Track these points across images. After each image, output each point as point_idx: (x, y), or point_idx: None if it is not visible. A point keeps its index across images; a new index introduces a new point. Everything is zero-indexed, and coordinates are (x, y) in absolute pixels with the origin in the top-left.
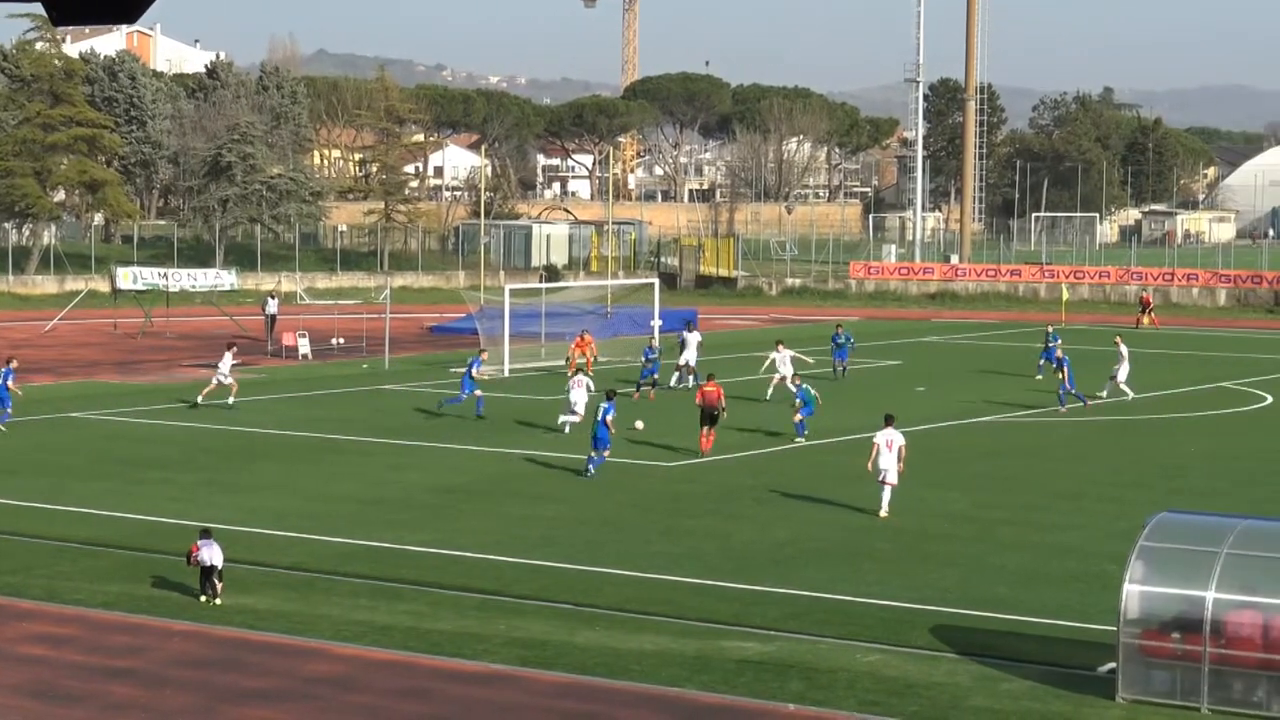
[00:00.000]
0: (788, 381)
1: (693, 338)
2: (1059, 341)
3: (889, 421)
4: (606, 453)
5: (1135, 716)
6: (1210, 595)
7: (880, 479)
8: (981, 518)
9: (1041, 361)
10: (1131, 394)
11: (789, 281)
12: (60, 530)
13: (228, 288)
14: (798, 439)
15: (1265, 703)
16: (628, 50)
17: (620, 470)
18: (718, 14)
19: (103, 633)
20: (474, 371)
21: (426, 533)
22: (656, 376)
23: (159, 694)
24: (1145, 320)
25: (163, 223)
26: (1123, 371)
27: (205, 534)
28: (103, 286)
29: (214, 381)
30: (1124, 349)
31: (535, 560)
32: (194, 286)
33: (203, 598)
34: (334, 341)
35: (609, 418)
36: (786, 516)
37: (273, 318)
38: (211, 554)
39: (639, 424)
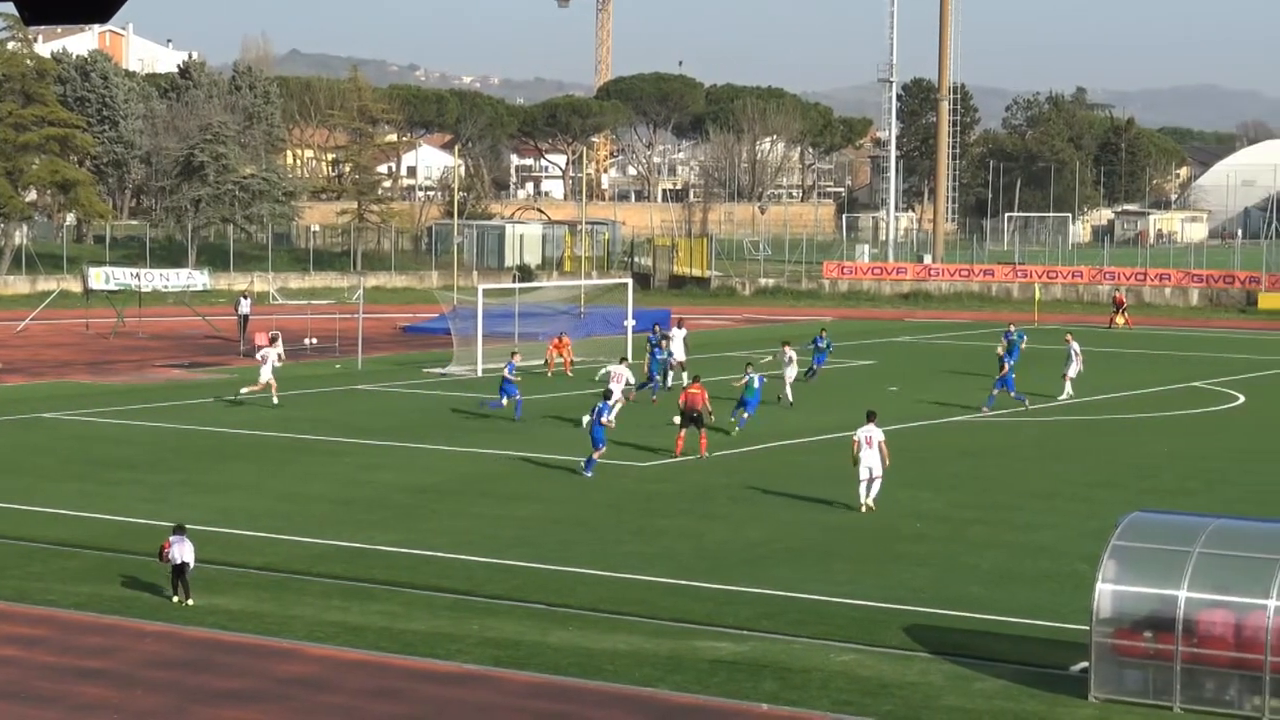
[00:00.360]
0: (787, 385)
1: (679, 334)
2: (1025, 340)
3: (870, 418)
4: (599, 453)
5: (1108, 715)
6: (1182, 594)
7: (867, 476)
8: (954, 517)
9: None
10: (1068, 394)
11: (762, 281)
12: (31, 531)
13: (200, 288)
14: (735, 431)
15: (1237, 701)
16: (601, 50)
17: (594, 470)
18: (691, 14)
19: (74, 634)
20: (510, 374)
21: (399, 533)
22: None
23: (130, 695)
24: (1119, 320)
25: (135, 223)
26: (1074, 368)
27: (179, 530)
28: (75, 287)
29: (261, 379)
30: (1075, 346)
31: (508, 560)
32: (166, 287)
33: (175, 598)
34: (307, 342)
35: (605, 417)
36: (760, 516)
37: (245, 318)
38: (183, 551)
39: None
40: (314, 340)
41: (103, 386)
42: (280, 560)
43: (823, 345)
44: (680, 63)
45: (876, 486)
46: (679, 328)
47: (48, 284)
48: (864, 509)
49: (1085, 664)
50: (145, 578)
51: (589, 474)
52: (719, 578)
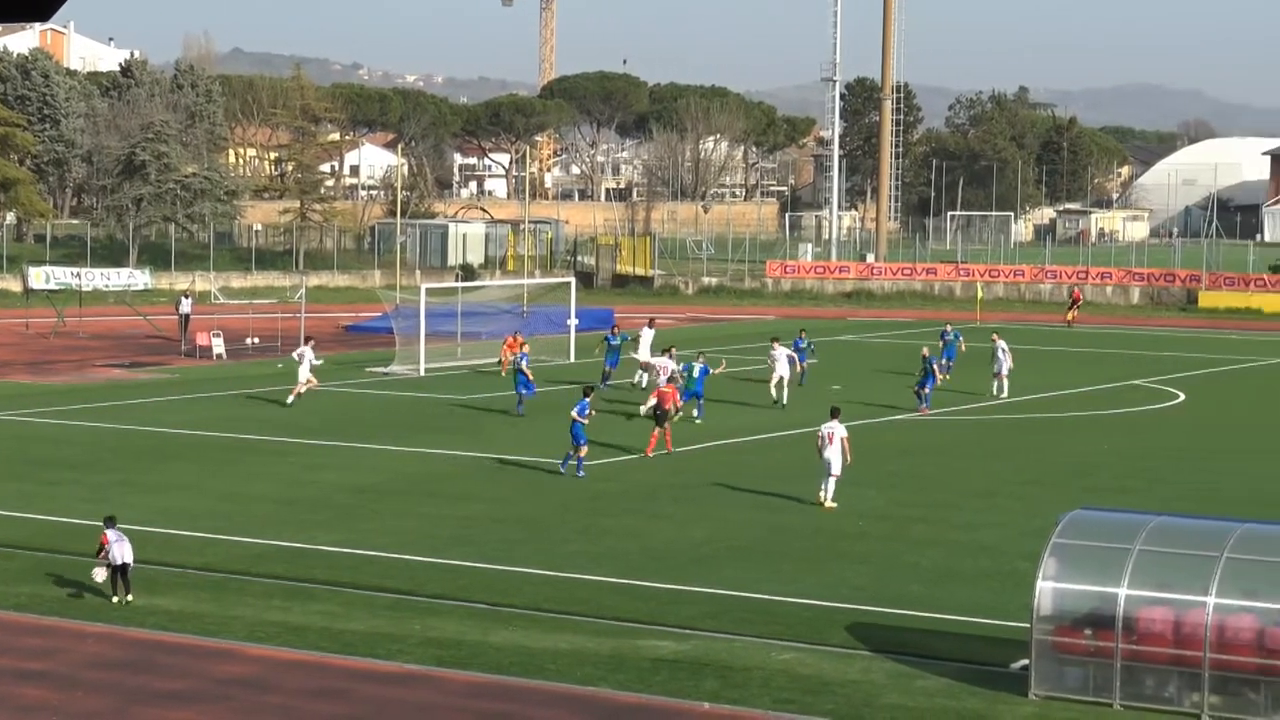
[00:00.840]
0: (784, 382)
1: (648, 334)
2: (961, 340)
3: (834, 414)
4: (582, 450)
5: (1048, 713)
6: (1122, 592)
7: (827, 470)
8: (896, 515)
9: (945, 360)
10: (1003, 393)
11: (705, 280)
12: None
13: (141, 287)
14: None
15: (1176, 698)
16: (545, 49)
17: (538, 470)
18: (635, 13)
19: (14, 635)
20: (524, 365)
21: (340, 533)
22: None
23: (71, 696)
24: (1069, 315)
25: (76, 222)
26: (1005, 367)
27: (111, 522)
28: (14, 286)
29: (301, 379)
30: (1002, 345)
31: (451, 560)
32: (107, 286)
33: (115, 598)
34: (249, 341)
35: (585, 414)
36: (705, 515)
37: (186, 317)
38: (123, 550)
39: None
40: (256, 340)
41: (42, 386)
42: (221, 560)
43: (803, 345)
44: (625, 61)
45: (832, 484)
46: (650, 327)
47: None
48: (826, 507)
49: (1026, 661)
50: (86, 579)
51: (570, 470)
52: (664, 577)
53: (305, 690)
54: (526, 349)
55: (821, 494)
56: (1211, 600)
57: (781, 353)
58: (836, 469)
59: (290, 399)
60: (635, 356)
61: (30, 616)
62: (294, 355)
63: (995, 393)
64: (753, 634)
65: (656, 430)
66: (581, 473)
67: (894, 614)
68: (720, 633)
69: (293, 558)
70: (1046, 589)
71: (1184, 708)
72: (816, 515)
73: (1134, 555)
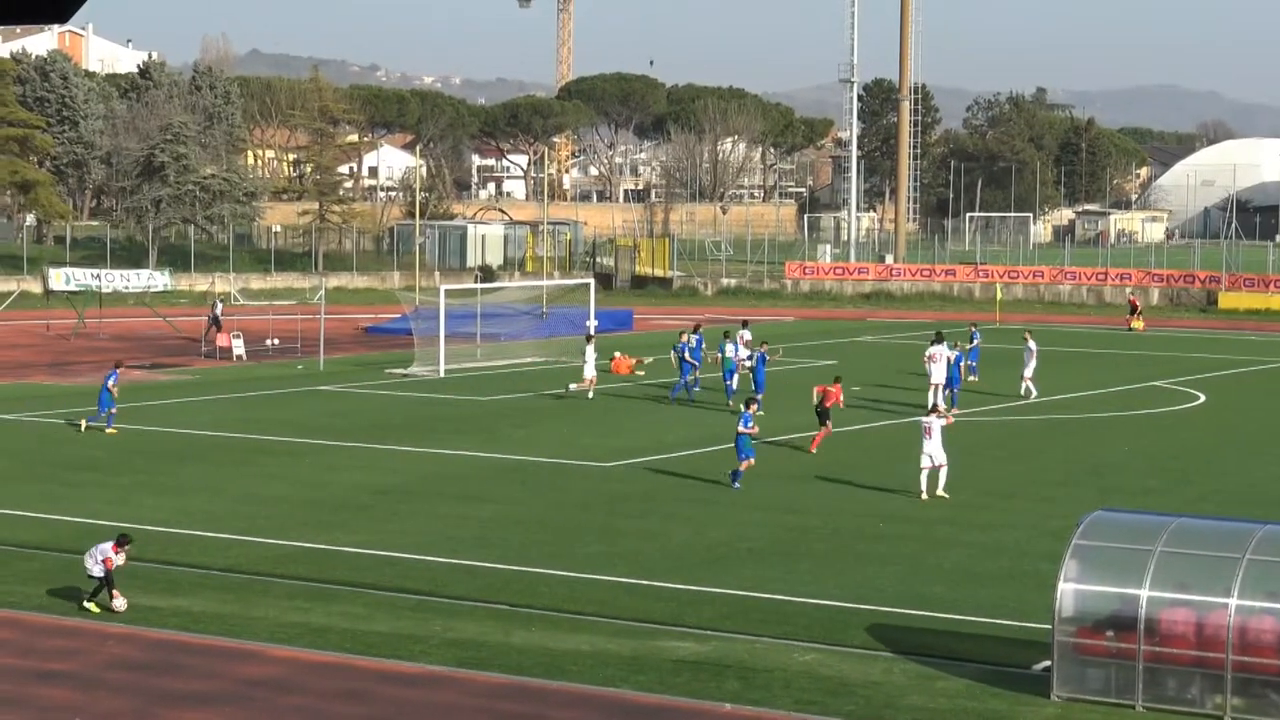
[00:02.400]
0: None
1: (743, 335)
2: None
3: (933, 410)
4: (745, 463)
5: (1070, 714)
6: (1144, 593)
7: (929, 465)
8: (918, 517)
9: (972, 362)
10: (1027, 393)
11: (724, 281)
12: None
13: (161, 288)
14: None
15: (1199, 700)
16: (562, 50)
17: (556, 470)
18: (652, 14)
19: (36, 636)
20: (687, 355)
21: (362, 534)
22: (689, 379)
23: (94, 697)
24: (1136, 324)
25: (95, 223)
26: (1030, 368)
27: (127, 542)
28: (35, 287)
29: (586, 376)
30: (1031, 344)
31: (471, 561)
32: (127, 287)
33: (108, 604)
34: (268, 342)
35: (749, 426)
36: (723, 516)
37: (217, 319)
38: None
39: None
40: (276, 341)
41: (63, 388)
42: (243, 561)
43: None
44: (651, 62)
45: (943, 475)
46: (745, 328)
47: (7, 285)
48: (924, 498)
49: (1048, 663)
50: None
51: (737, 486)
52: (682, 578)
53: (327, 691)
54: (690, 339)
55: (923, 487)
56: (1234, 602)
57: (940, 352)
58: (940, 459)
59: (573, 387)
60: (728, 357)
61: (52, 617)
62: (585, 354)
63: (1025, 394)
64: (773, 635)
65: (823, 428)
66: (737, 485)
67: (915, 615)
68: (741, 634)
69: (315, 559)
70: (1068, 590)
71: (1206, 709)
72: (835, 516)
73: (1156, 557)
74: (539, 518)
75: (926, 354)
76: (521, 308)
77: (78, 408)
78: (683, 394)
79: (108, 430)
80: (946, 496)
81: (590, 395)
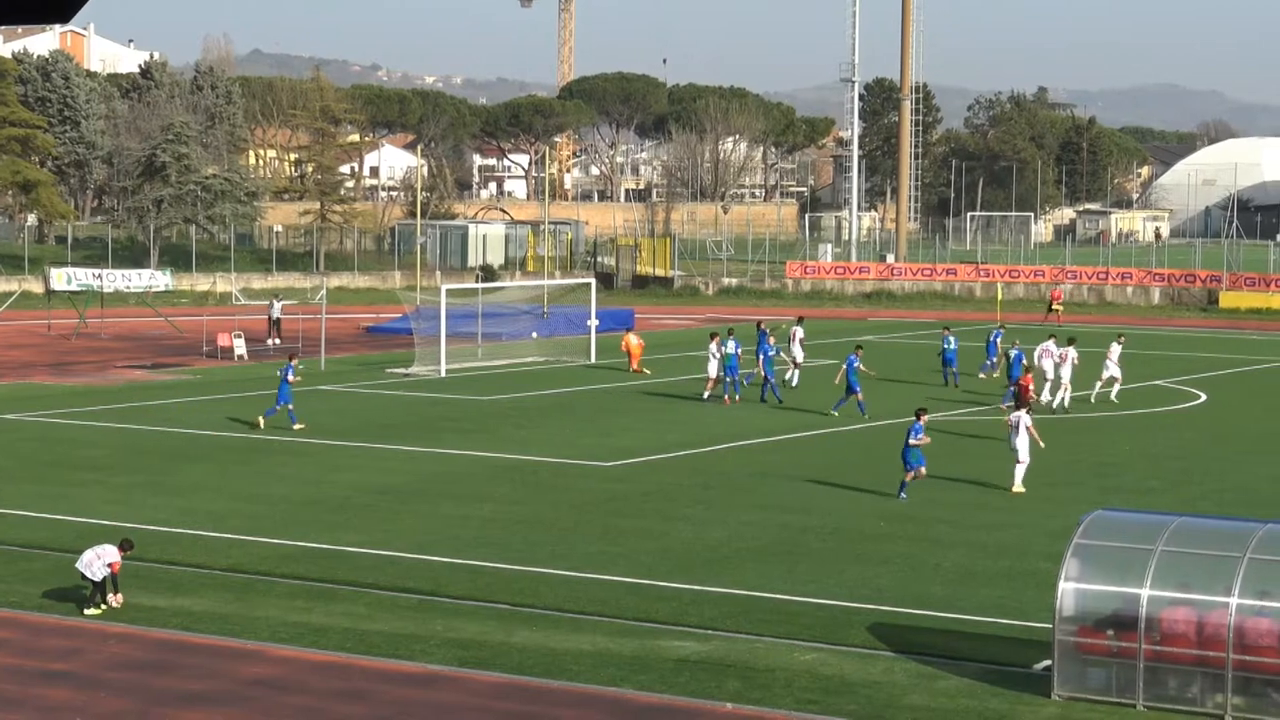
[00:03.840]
0: (1060, 384)
1: (798, 332)
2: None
3: (1019, 406)
4: (912, 474)
5: (1070, 714)
6: (1145, 593)
7: (1016, 458)
8: (918, 516)
9: (989, 360)
10: (1099, 394)
11: (725, 281)
12: None
13: (162, 288)
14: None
15: (1200, 699)
16: (563, 50)
17: (557, 470)
18: (654, 14)
19: (37, 636)
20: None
21: (363, 534)
22: (736, 377)
23: (94, 697)
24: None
25: (97, 223)
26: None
27: (130, 545)
28: (36, 287)
29: (711, 374)
30: (1116, 350)
31: (472, 560)
32: (128, 287)
33: (104, 605)
34: (270, 342)
35: (915, 438)
36: (724, 516)
37: (277, 321)
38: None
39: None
40: (278, 341)
41: (65, 388)
42: (244, 561)
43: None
44: (665, 60)
45: (1020, 471)
46: (799, 324)
47: (9, 285)
48: (1014, 492)
49: (1048, 662)
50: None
51: (903, 497)
52: (683, 578)
53: (329, 691)
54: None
55: (1015, 481)
56: (1234, 601)
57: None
58: (1024, 456)
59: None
60: (784, 356)
61: (53, 617)
62: (712, 351)
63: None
64: (774, 634)
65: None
66: (903, 495)
67: (916, 615)
68: (742, 633)
69: (316, 558)
70: (1069, 590)
71: (1207, 709)
72: (836, 516)
73: (1156, 556)
74: (540, 517)
75: (1041, 348)
76: (523, 307)
77: (78, 407)
78: (770, 396)
79: (295, 426)
80: (1023, 490)
81: (705, 396)
